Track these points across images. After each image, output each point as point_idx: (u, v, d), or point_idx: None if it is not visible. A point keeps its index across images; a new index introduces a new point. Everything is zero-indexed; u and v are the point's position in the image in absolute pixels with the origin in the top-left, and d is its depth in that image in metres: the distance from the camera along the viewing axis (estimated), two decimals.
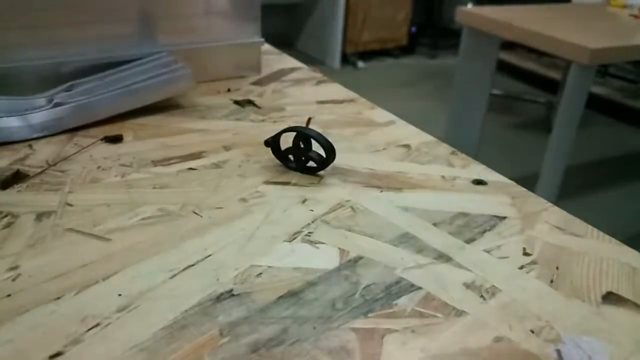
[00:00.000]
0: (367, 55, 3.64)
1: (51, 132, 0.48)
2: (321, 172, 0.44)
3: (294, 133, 0.42)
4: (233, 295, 0.30)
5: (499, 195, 0.42)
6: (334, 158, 0.42)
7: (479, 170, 0.46)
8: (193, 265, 0.32)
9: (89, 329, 0.27)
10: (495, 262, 0.34)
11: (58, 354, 0.25)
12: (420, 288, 0.31)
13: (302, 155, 0.43)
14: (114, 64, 0.54)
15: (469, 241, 0.36)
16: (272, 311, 0.29)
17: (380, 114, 0.57)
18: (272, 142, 0.44)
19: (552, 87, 2.97)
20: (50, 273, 0.31)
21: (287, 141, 0.44)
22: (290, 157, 0.44)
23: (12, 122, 0.46)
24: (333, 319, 0.28)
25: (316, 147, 0.43)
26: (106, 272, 0.31)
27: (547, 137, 1.56)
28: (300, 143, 0.43)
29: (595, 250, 0.36)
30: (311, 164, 0.44)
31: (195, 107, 0.56)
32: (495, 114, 2.75)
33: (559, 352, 0.27)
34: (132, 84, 0.52)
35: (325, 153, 0.42)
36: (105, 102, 0.50)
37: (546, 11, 1.91)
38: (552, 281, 0.33)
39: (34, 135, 0.47)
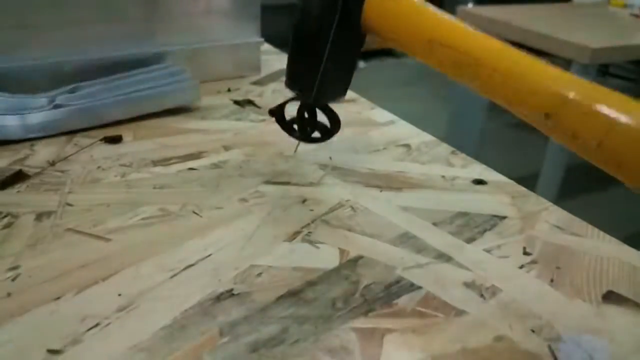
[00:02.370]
0: (368, 54, 3.63)
1: (48, 133, 0.47)
2: (321, 172, 0.44)
3: (299, 102, 0.42)
4: (233, 295, 0.30)
5: (499, 195, 0.42)
6: (338, 128, 0.42)
7: (479, 170, 0.46)
8: (193, 265, 0.32)
9: (89, 329, 0.27)
10: (496, 262, 0.34)
11: (58, 353, 0.25)
12: (420, 288, 0.31)
13: (307, 125, 0.43)
14: (114, 63, 0.54)
15: (469, 241, 0.36)
16: (272, 311, 0.29)
17: (380, 114, 0.57)
18: (277, 111, 0.44)
19: None
20: (50, 273, 0.31)
21: (291, 113, 0.43)
22: (295, 127, 0.44)
23: (9, 121, 0.46)
24: (333, 318, 0.28)
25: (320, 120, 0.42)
26: (106, 272, 0.31)
27: (547, 137, 1.56)
28: (305, 113, 0.42)
29: (596, 249, 0.36)
30: (316, 134, 0.43)
31: (195, 107, 0.56)
32: (495, 114, 2.74)
33: (550, 348, 0.27)
34: (135, 91, 0.51)
35: (330, 123, 0.42)
36: (106, 108, 0.50)
37: (546, 11, 1.91)
38: (552, 280, 0.32)
39: (30, 136, 0.47)
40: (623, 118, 0.24)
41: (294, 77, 0.40)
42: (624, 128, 0.24)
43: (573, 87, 0.26)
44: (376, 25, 0.35)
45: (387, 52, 3.75)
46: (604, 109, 0.25)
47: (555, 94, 0.27)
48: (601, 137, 0.25)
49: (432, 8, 0.33)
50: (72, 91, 0.50)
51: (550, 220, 0.39)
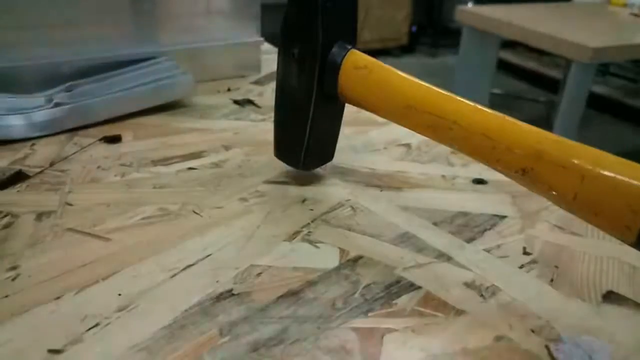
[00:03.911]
0: (368, 54, 3.63)
1: (50, 131, 0.48)
2: (321, 172, 0.44)
3: None
4: (233, 294, 0.30)
5: (499, 194, 0.42)
6: None
7: (479, 170, 0.46)
8: (193, 265, 0.32)
9: (89, 329, 0.27)
10: (496, 261, 0.34)
11: (58, 352, 0.25)
12: (420, 287, 0.31)
13: None
14: (114, 64, 0.54)
15: (469, 240, 0.36)
16: (272, 311, 0.29)
17: None
18: None
19: (553, 86, 2.96)
20: (50, 273, 0.31)
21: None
22: None
23: (13, 121, 0.46)
24: (333, 318, 0.28)
25: None
26: (106, 272, 0.31)
27: None
28: None
29: (595, 249, 0.36)
30: None
31: (195, 107, 0.56)
32: None
33: (548, 349, 0.27)
34: (132, 87, 0.52)
35: None
36: (105, 104, 0.50)
37: (546, 10, 1.91)
38: (552, 280, 0.32)
39: (34, 134, 0.47)
40: (594, 169, 0.25)
41: (282, 149, 0.41)
42: (596, 179, 0.25)
43: (546, 143, 0.28)
44: (352, 95, 0.37)
45: (387, 52, 3.76)
46: (576, 162, 0.26)
47: (530, 151, 0.28)
48: (576, 190, 0.26)
49: (404, 75, 0.34)
50: (68, 90, 0.50)
51: (551, 220, 0.39)
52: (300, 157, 0.39)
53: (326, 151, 0.42)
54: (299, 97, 0.38)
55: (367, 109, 0.37)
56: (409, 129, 0.34)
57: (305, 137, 0.38)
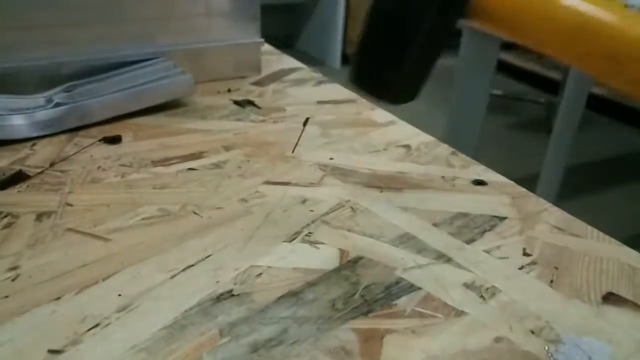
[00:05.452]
0: None
1: (51, 131, 0.48)
2: (321, 172, 0.44)
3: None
4: (233, 295, 0.30)
5: (499, 196, 0.42)
6: None
7: (479, 171, 0.46)
8: (193, 265, 0.32)
9: (89, 329, 0.27)
10: (495, 263, 0.34)
11: (58, 353, 0.25)
12: (420, 288, 0.31)
13: None
14: (114, 64, 0.54)
15: (469, 241, 0.36)
16: (272, 311, 0.29)
17: (380, 114, 0.57)
18: None
19: (553, 87, 2.97)
20: (50, 273, 0.31)
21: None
22: None
23: (15, 120, 0.46)
24: (333, 319, 0.28)
25: None
26: (106, 272, 0.31)
27: (547, 138, 1.56)
28: None
29: (595, 250, 0.36)
30: None
31: (195, 107, 0.56)
32: (495, 114, 2.74)
33: (547, 350, 0.27)
34: (132, 86, 0.52)
35: None
36: (105, 104, 0.50)
37: None
38: (552, 281, 0.33)
39: (35, 134, 0.47)
40: None
41: (365, 75, 0.31)
42: None
43: None
44: (494, 9, 0.26)
45: None
46: None
47: None
48: None
49: None
50: (67, 90, 0.50)
51: (550, 221, 0.39)
52: (390, 87, 0.30)
53: (419, 84, 0.33)
54: (407, 7, 0.28)
55: (510, 32, 0.27)
56: (571, 62, 0.25)
57: (405, 62, 0.29)
